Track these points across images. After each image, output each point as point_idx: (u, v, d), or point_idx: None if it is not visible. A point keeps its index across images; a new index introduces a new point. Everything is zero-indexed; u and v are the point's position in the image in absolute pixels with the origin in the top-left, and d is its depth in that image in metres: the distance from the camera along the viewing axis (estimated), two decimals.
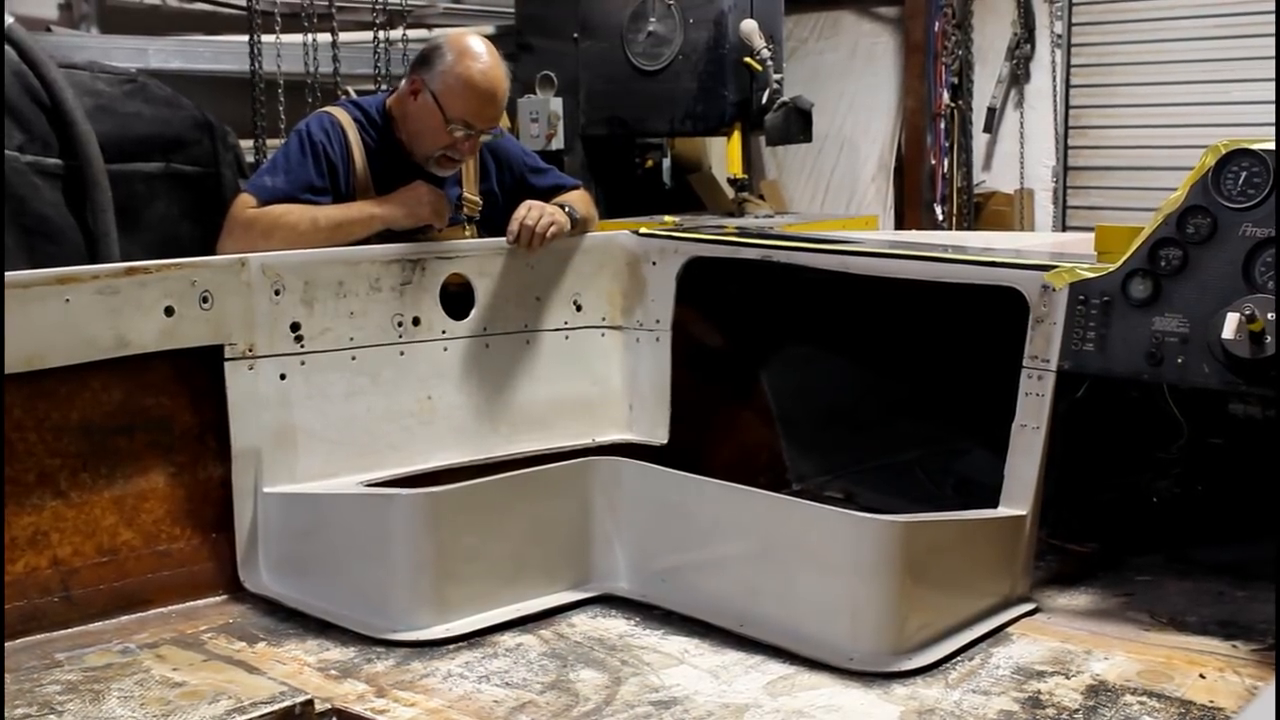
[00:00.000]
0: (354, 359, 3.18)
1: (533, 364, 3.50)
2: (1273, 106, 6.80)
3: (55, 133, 4.20)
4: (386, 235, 3.34)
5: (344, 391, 3.16)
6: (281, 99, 5.91)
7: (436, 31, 6.86)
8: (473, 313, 3.39)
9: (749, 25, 6.52)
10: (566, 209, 3.50)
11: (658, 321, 3.61)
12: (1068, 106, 8.45)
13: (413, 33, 6.55)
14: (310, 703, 2.38)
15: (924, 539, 2.68)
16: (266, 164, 3.51)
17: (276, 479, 3.01)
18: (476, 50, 3.38)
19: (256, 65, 5.87)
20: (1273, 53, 7.08)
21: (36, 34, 5.17)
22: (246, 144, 5.54)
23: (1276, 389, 2.66)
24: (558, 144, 6.86)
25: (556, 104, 6.89)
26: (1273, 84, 7.26)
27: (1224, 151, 2.78)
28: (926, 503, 3.60)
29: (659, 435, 3.59)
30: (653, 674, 2.56)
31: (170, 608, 2.88)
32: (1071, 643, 2.70)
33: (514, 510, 2.89)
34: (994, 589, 2.85)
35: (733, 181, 6.90)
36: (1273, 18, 7.02)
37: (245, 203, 3.29)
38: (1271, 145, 2.75)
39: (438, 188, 3.50)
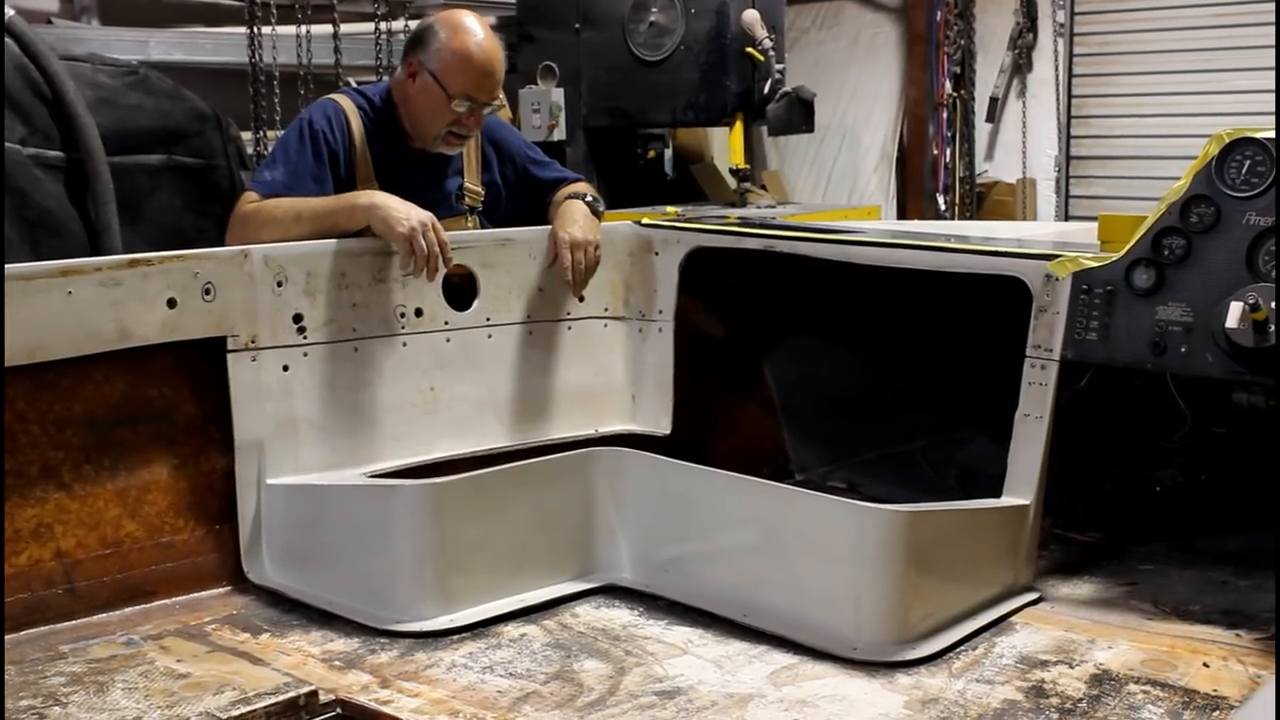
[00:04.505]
0: (356, 350, 3.17)
1: (535, 355, 3.50)
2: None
3: (57, 125, 4.20)
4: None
5: (347, 383, 3.15)
6: (278, 91, 5.90)
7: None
8: (475, 304, 3.39)
9: (751, 15, 6.51)
10: (589, 198, 3.54)
11: (660, 312, 3.61)
12: (1070, 96, 8.44)
13: (414, 24, 6.53)
14: (314, 694, 2.38)
15: (927, 529, 2.68)
16: (268, 157, 3.51)
17: (280, 470, 3.01)
18: (469, 24, 3.39)
19: (257, 57, 5.87)
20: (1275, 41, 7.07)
21: (37, 26, 5.17)
22: (248, 136, 5.54)
23: (1277, 378, 2.66)
24: (559, 135, 6.85)
25: (558, 95, 6.88)
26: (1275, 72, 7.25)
27: (1227, 140, 2.78)
28: (930, 492, 3.59)
29: (662, 426, 3.59)
30: (656, 664, 2.56)
31: (174, 599, 2.88)
32: (1075, 632, 2.70)
33: (517, 501, 2.89)
34: (997, 578, 2.85)
35: (735, 172, 6.90)
36: (1273, 6, 7.00)
37: (246, 199, 3.29)
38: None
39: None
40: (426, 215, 3.13)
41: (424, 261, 3.11)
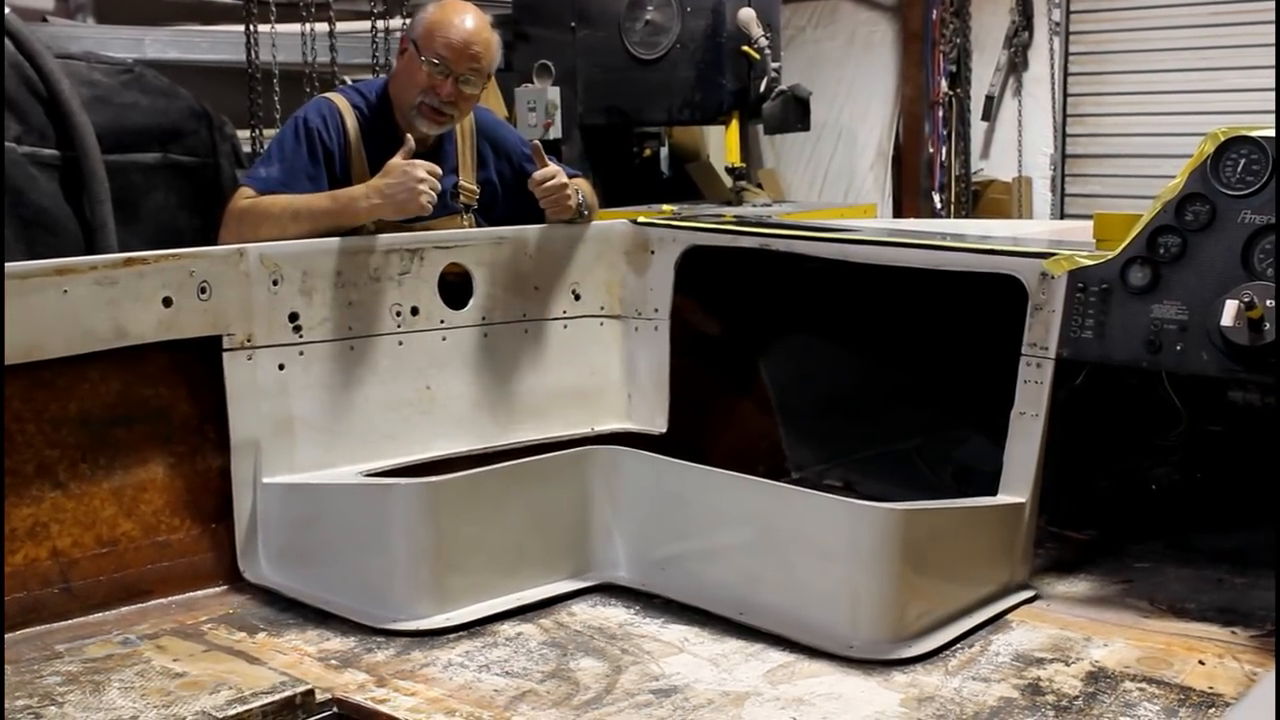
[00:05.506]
0: (352, 349, 3.17)
1: (531, 354, 3.50)
2: (1272, 93, 6.80)
3: (52, 124, 4.20)
4: (383, 221, 3.33)
5: (343, 382, 3.15)
6: (277, 89, 5.90)
7: None
8: (471, 302, 3.39)
9: (747, 13, 6.51)
10: (579, 195, 3.53)
11: (656, 310, 3.61)
12: (1066, 94, 8.45)
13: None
14: (311, 693, 2.38)
15: (923, 527, 2.69)
16: (264, 153, 3.51)
17: (276, 469, 3.01)
18: (459, 4, 3.43)
19: (253, 55, 5.86)
20: (1271, 40, 7.07)
21: (33, 25, 5.17)
22: (243, 134, 5.54)
23: (1276, 376, 2.66)
24: (555, 133, 6.85)
25: (554, 93, 6.88)
26: (1272, 71, 7.25)
27: (1223, 139, 2.78)
28: (926, 491, 3.59)
29: (658, 424, 3.59)
30: (653, 662, 2.56)
31: (170, 598, 2.88)
32: (1071, 630, 2.70)
33: (513, 500, 2.89)
34: (993, 576, 2.85)
35: (731, 170, 6.90)
36: (1270, 4, 7.01)
37: (241, 194, 3.29)
38: (1270, 132, 2.74)
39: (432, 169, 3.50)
40: (416, 171, 3.16)
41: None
